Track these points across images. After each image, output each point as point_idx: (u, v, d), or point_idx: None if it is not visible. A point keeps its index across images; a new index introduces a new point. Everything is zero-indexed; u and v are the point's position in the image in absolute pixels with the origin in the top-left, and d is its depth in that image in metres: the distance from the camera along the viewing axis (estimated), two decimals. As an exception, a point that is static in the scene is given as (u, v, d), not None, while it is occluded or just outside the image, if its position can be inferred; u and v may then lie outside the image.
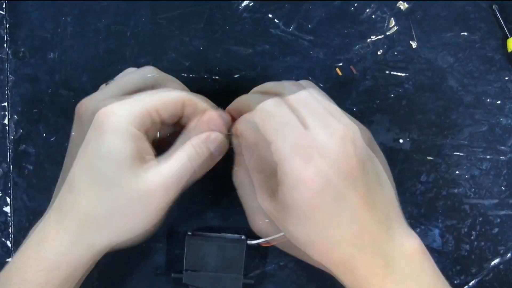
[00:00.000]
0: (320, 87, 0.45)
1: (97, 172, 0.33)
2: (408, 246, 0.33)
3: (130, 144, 0.33)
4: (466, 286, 0.44)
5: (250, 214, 0.38)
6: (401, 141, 0.45)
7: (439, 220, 0.44)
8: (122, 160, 0.33)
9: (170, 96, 0.36)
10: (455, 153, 0.45)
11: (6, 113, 0.45)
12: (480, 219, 0.44)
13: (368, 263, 0.32)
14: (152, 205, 0.34)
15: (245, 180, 0.38)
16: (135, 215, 0.34)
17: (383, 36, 0.45)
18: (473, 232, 0.44)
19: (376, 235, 0.33)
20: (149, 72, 0.39)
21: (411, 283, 0.33)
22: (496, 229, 0.45)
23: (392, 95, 0.45)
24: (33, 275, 0.33)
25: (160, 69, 0.44)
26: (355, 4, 0.45)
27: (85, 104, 0.37)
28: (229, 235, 0.42)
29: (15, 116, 0.45)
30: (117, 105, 0.34)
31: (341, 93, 0.45)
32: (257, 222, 0.37)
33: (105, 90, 0.38)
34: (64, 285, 0.34)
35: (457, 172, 0.45)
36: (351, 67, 0.44)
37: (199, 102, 0.37)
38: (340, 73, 0.44)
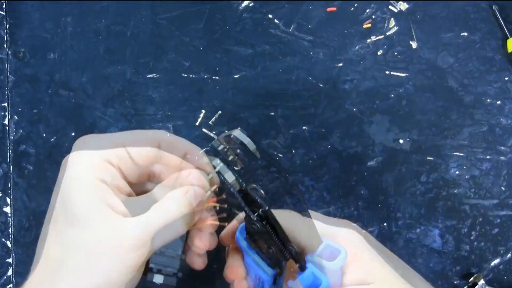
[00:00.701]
0: (319, 87, 0.45)
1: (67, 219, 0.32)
2: None
3: (90, 194, 0.31)
4: (466, 287, 0.44)
5: None
6: (401, 141, 0.45)
7: (439, 220, 0.44)
8: (84, 211, 0.31)
9: (140, 136, 0.35)
10: (455, 153, 0.45)
11: (6, 113, 0.45)
12: (480, 219, 0.44)
13: None
14: (120, 261, 0.31)
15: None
16: (106, 266, 0.31)
17: (383, 36, 0.45)
18: (473, 232, 0.44)
19: None
20: (159, 133, 0.37)
21: None
22: (496, 229, 0.45)
23: (392, 96, 0.45)
24: None
25: (160, 69, 0.45)
26: (355, 5, 0.45)
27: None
28: None
29: (15, 117, 0.45)
30: (81, 154, 0.33)
31: (341, 93, 0.45)
32: None
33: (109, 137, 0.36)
34: None
35: (457, 172, 0.45)
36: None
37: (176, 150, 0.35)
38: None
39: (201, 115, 0.45)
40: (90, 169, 0.32)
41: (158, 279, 0.36)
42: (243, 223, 0.35)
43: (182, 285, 0.36)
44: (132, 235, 0.31)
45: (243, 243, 0.35)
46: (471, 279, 0.44)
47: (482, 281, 0.43)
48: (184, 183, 0.34)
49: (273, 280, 0.34)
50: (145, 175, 0.35)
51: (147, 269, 0.35)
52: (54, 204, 0.33)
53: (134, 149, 0.34)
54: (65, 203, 0.32)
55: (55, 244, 0.32)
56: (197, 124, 0.45)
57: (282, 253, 0.32)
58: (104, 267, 0.31)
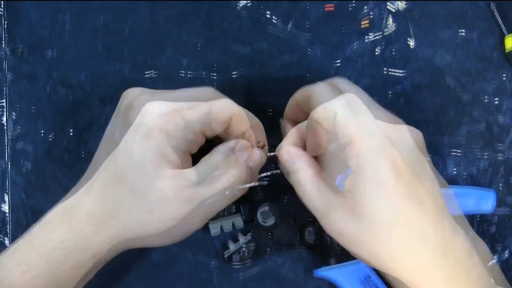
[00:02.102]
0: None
1: (119, 169, 0.34)
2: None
3: (151, 151, 0.33)
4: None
5: (324, 215, 0.34)
6: (398, 139, 0.45)
7: (437, 218, 0.44)
8: (144, 164, 0.33)
9: (200, 94, 0.36)
10: (452, 151, 0.45)
11: (4, 110, 0.45)
12: (478, 218, 0.44)
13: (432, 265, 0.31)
14: (166, 212, 0.34)
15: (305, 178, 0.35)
16: (151, 215, 0.34)
17: (381, 34, 0.45)
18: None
19: (447, 237, 0.31)
20: (207, 91, 0.38)
21: (459, 282, 0.31)
22: (494, 228, 0.45)
23: (390, 94, 0.45)
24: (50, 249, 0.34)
25: (158, 67, 0.45)
26: (353, 3, 0.45)
27: (128, 93, 0.37)
28: None
29: (13, 114, 0.45)
30: (148, 101, 0.34)
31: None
32: (336, 220, 0.33)
33: (157, 93, 0.37)
34: (82, 268, 0.35)
35: (454, 170, 0.45)
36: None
37: (245, 118, 0.37)
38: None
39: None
40: (160, 120, 0.34)
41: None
42: None
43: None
44: (171, 190, 0.33)
45: None
46: None
47: None
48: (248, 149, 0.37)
49: None
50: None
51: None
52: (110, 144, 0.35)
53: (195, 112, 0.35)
54: (127, 150, 0.34)
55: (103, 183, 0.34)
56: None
57: None
58: (145, 208, 0.34)
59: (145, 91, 0.37)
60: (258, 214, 0.41)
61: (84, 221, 0.34)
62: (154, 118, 0.33)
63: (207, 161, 0.36)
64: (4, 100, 0.45)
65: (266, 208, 0.41)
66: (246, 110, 0.38)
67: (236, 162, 0.36)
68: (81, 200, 0.35)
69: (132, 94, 0.36)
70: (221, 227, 0.42)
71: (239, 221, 0.42)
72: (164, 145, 0.33)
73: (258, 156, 0.37)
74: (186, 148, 0.35)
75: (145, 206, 0.33)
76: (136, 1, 0.45)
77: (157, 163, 0.33)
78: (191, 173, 0.35)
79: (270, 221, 0.41)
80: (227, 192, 0.35)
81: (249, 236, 0.42)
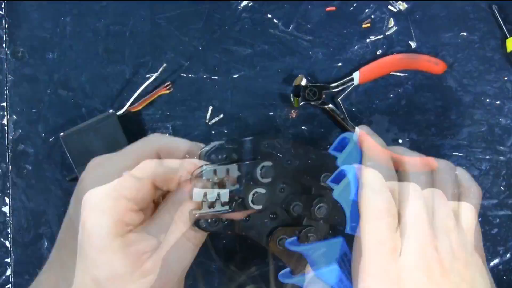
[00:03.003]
0: (319, 87, 0.45)
1: (81, 248, 0.33)
2: None
3: (107, 220, 0.32)
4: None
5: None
6: (400, 141, 0.45)
7: (438, 221, 0.44)
8: (98, 236, 0.32)
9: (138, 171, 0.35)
10: (454, 153, 0.45)
11: (5, 113, 0.45)
12: (480, 219, 0.44)
13: None
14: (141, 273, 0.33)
15: None
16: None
17: (382, 36, 0.45)
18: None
19: None
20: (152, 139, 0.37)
21: None
22: (496, 230, 0.45)
23: (391, 95, 0.45)
24: None
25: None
26: (354, 4, 0.45)
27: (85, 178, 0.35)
28: (98, 116, 0.43)
29: (14, 116, 0.45)
30: (92, 170, 0.34)
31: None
32: None
33: (114, 159, 0.36)
34: None
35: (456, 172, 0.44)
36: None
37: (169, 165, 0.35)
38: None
39: (208, 114, 0.45)
40: (107, 212, 0.33)
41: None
42: None
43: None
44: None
45: None
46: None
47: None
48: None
49: None
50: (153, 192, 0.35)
51: None
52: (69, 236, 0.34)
53: (137, 171, 0.34)
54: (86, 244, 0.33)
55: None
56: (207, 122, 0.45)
57: None
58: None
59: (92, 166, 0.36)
60: (259, 168, 0.35)
61: None
62: (99, 214, 0.33)
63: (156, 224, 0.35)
64: (5, 103, 0.45)
65: (269, 164, 0.35)
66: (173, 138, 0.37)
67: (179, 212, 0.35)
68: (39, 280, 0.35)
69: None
70: (205, 193, 0.34)
71: (234, 171, 0.35)
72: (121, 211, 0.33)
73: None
74: (143, 206, 0.35)
75: (111, 277, 0.33)
76: (137, 4, 0.45)
77: (114, 231, 0.33)
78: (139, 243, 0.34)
79: (266, 182, 0.35)
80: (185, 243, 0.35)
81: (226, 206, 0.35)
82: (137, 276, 0.33)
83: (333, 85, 0.44)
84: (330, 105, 0.44)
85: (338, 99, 0.44)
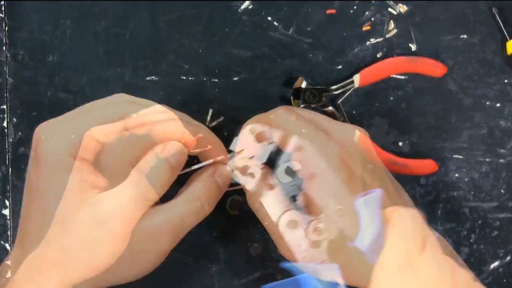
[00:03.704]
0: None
1: (42, 209, 0.31)
2: None
3: (70, 176, 0.31)
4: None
5: (277, 239, 0.35)
6: (400, 144, 0.45)
7: (439, 223, 0.44)
8: (65, 195, 0.31)
9: (113, 111, 0.33)
10: (454, 156, 0.45)
11: (5, 116, 0.45)
12: (480, 222, 0.44)
13: None
14: (108, 234, 0.31)
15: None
16: (92, 249, 0.31)
17: (382, 39, 0.45)
18: (473, 235, 0.44)
19: None
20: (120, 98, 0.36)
21: None
22: (496, 232, 0.45)
23: (392, 98, 0.45)
24: None
25: (159, 72, 0.45)
26: (355, 7, 0.45)
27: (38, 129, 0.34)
28: None
29: (14, 119, 0.45)
30: (49, 129, 0.32)
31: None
32: (284, 247, 0.34)
33: (73, 120, 0.34)
34: None
35: (456, 175, 0.44)
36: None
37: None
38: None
39: (208, 117, 0.45)
40: (65, 146, 0.31)
41: None
42: None
43: None
44: (110, 210, 0.31)
45: None
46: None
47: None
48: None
49: None
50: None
51: None
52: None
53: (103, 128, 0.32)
54: (39, 191, 0.31)
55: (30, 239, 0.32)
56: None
57: None
58: (83, 244, 0.31)
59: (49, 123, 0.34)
60: (282, 165, 0.36)
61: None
62: (56, 149, 0.31)
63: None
64: (5, 105, 0.45)
65: (293, 166, 0.35)
66: (199, 124, 0.38)
67: (202, 175, 0.36)
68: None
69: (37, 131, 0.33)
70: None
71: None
72: (84, 172, 0.31)
73: (226, 172, 0.37)
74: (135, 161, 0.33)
75: (78, 242, 0.31)
76: (137, 7, 0.45)
77: (78, 192, 0.31)
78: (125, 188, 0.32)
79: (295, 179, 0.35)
80: (197, 204, 0.34)
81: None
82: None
83: (333, 87, 0.44)
84: (330, 108, 0.44)
85: (338, 102, 0.44)
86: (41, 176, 0.31)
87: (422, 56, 0.44)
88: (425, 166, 0.43)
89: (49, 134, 0.32)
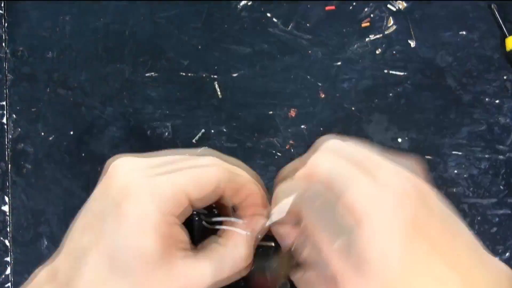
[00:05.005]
0: (318, 86, 0.45)
1: (116, 264, 0.27)
2: None
3: (156, 238, 0.27)
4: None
5: None
6: (399, 140, 0.45)
7: (438, 219, 0.44)
8: (146, 257, 0.27)
9: (207, 174, 0.30)
10: (453, 152, 0.45)
11: (5, 112, 0.45)
12: (479, 218, 0.44)
13: None
14: None
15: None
16: None
17: (381, 35, 0.45)
18: (472, 232, 0.44)
19: None
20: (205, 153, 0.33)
21: None
22: (495, 229, 0.45)
23: (391, 94, 0.45)
24: None
25: (158, 68, 0.45)
26: (354, 3, 0.45)
27: (117, 167, 0.29)
28: None
29: (14, 115, 0.45)
30: (143, 183, 0.28)
31: (339, 92, 0.45)
32: None
33: (151, 159, 0.31)
34: None
35: (455, 171, 0.45)
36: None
37: (238, 176, 0.32)
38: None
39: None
40: (158, 204, 0.28)
41: None
42: None
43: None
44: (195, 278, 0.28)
45: None
46: None
47: None
48: (251, 213, 0.32)
49: None
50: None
51: None
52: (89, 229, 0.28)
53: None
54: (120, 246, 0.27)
55: None
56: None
57: None
58: None
59: (135, 164, 0.30)
60: None
61: None
62: (149, 204, 0.28)
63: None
64: (4, 102, 0.45)
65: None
66: (246, 174, 0.33)
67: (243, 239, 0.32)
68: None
69: (121, 169, 0.29)
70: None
71: None
72: (169, 230, 0.28)
73: (262, 225, 0.33)
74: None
75: None
76: (137, 3, 0.45)
77: (164, 251, 0.28)
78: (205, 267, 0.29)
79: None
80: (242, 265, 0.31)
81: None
82: None
83: None
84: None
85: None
86: (122, 229, 0.27)
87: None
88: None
89: (142, 189, 0.28)
